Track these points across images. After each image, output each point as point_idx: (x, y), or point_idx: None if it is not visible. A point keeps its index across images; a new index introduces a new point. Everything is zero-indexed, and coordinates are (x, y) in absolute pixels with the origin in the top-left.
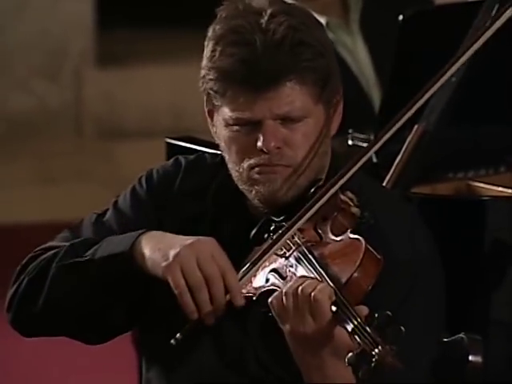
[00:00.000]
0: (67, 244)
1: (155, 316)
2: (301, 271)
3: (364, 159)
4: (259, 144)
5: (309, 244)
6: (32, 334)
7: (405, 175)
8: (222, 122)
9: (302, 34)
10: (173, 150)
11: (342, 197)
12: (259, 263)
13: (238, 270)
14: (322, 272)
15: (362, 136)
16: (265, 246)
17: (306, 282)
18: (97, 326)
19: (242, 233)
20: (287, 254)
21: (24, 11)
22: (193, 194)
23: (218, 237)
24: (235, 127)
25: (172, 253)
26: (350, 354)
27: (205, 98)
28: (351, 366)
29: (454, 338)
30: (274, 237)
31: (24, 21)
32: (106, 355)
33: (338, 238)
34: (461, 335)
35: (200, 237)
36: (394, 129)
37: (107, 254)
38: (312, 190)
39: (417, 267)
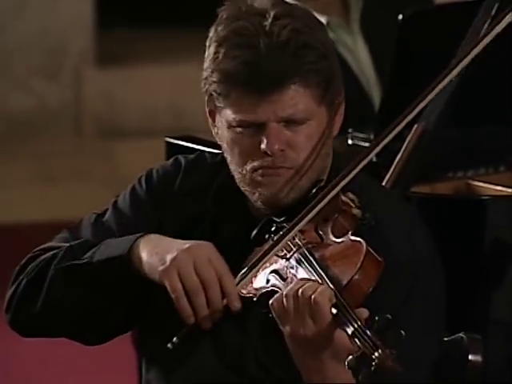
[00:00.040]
0: (66, 245)
1: (155, 317)
2: (301, 273)
3: (365, 161)
4: (263, 146)
5: (309, 245)
6: (31, 334)
7: (404, 174)
8: (224, 124)
9: (305, 37)
10: (173, 150)
11: (344, 198)
12: (259, 264)
13: (237, 270)
14: (323, 274)
15: (361, 135)
16: (266, 246)
17: (307, 285)
18: (95, 327)
19: (243, 233)
20: (288, 256)
21: (24, 11)
22: (193, 194)
23: (219, 237)
24: (238, 129)
25: (169, 257)
26: (350, 357)
27: (206, 98)
28: (351, 369)
29: (453, 337)
30: (275, 238)
31: (24, 20)
32: (106, 355)
33: (339, 240)
34: (460, 335)
35: (197, 241)
36: (395, 131)
37: (105, 258)
38: (313, 191)
39: (417, 267)
